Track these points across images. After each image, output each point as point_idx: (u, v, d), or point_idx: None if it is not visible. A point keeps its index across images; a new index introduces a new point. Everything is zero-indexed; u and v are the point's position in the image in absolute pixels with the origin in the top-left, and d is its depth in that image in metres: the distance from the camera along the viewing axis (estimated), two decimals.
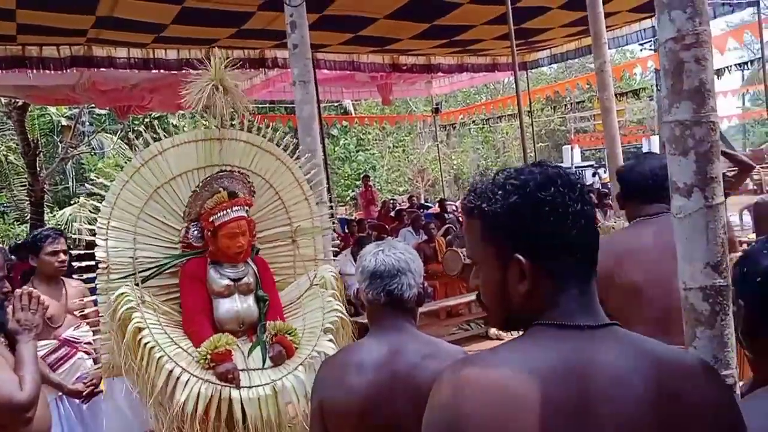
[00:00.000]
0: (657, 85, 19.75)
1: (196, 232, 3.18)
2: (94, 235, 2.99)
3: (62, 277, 3.48)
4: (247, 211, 3.15)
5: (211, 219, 3.05)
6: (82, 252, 2.99)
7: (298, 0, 3.96)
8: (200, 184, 3.18)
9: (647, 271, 2.04)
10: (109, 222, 3.01)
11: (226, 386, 2.70)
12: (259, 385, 2.78)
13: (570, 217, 1.00)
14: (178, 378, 2.66)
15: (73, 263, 3.25)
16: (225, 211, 3.05)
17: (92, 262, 2.97)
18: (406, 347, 1.66)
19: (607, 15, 7.27)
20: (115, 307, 2.82)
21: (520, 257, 1.01)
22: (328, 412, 1.70)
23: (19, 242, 11.17)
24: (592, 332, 0.98)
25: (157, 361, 2.67)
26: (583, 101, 20.29)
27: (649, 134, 23.51)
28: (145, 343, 2.71)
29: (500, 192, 1.04)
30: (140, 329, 2.75)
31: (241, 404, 2.70)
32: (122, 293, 2.86)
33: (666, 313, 1.94)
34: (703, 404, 0.95)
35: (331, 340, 3.03)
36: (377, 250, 1.75)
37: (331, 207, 4.18)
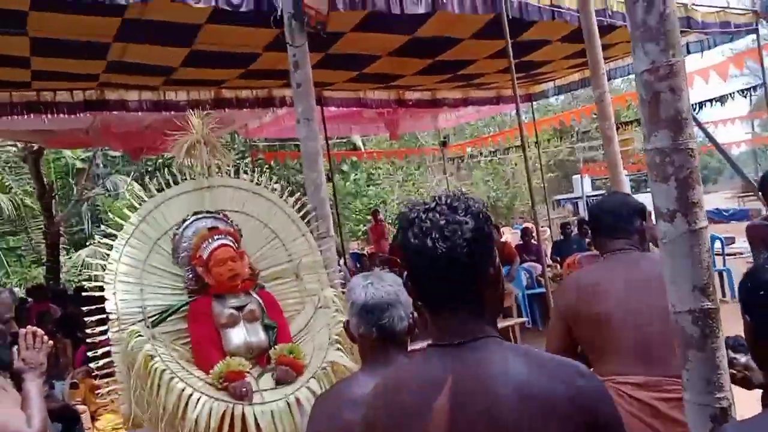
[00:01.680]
0: None
1: (190, 275, 3.28)
2: (102, 289, 3.08)
3: None
4: (232, 241, 3.25)
5: (198, 254, 3.18)
6: (92, 307, 3.07)
7: (301, 41, 4.08)
8: (178, 229, 3.31)
9: (616, 304, 2.05)
10: (116, 277, 3.13)
11: (238, 404, 2.72)
12: (272, 401, 2.80)
13: (420, 258, 1.13)
14: (189, 397, 2.68)
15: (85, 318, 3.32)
16: (208, 242, 3.19)
17: (103, 316, 3.05)
18: None
19: (610, 46, 7.38)
20: (127, 344, 2.87)
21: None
22: None
23: (36, 284, 11.28)
24: (464, 347, 1.13)
25: (168, 384, 2.70)
26: (590, 131, 20.34)
27: None
28: (156, 368, 2.75)
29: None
30: (151, 357, 2.80)
31: (255, 420, 2.70)
32: (133, 330, 2.92)
33: (641, 344, 1.96)
34: (571, 403, 1.05)
35: (339, 350, 3.07)
36: (366, 283, 1.75)
37: (339, 240, 4.24)
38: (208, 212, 3.39)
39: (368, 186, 22.98)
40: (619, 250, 2.19)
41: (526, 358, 1.11)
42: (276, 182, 3.72)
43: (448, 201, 1.15)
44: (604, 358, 2.03)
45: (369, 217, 18.89)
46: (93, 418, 4.88)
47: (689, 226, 1.36)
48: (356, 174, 22.56)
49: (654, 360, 1.90)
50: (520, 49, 6.78)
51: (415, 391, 1.13)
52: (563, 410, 1.04)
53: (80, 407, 4.81)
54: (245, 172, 3.64)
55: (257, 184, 3.58)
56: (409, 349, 1.79)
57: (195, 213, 3.37)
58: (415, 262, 1.15)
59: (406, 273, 1.20)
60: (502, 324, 6.16)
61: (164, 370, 2.76)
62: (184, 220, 3.33)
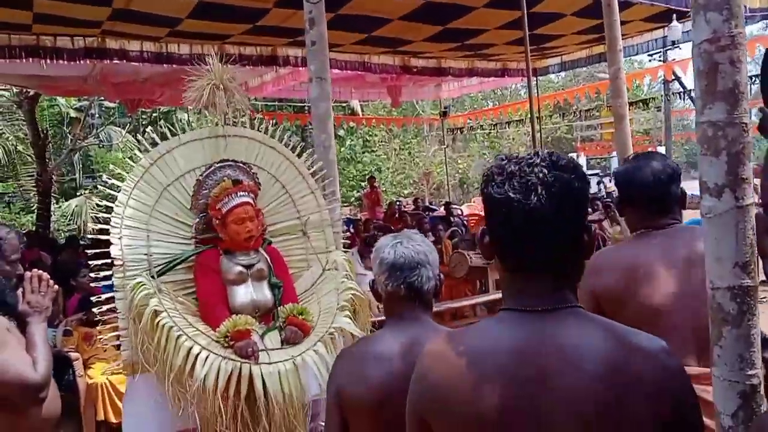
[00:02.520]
0: (666, 96, 19.76)
1: (202, 224, 3.22)
2: (104, 232, 3.02)
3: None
4: (253, 198, 3.19)
5: (218, 207, 3.09)
6: (97, 251, 3.01)
7: None
8: (203, 174, 3.23)
9: (665, 289, 1.90)
10: (122, 221, 3.05)
11: (246, 362, 2.71)
12: (279, 361, 2.79)
13: (517, 213, 1.05)
14: (197, 356, 2.67)
15: (84, 257, 3.25)
16: (231, 197, 3.09)
17: (108, 260, 2.99)
18: (425, 338, 1.66)
19: (623, 24, 7.30)
20: (132, 297, 2.84)
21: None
22: (345, 401, 1.71)
23: (27, 231, 11.16)
24: (548, 314, 1.07)
25: (176, 341, 2.68)
26: (591, 109, 20.28)
27: (655, 145, 23.52)
28: (163, 325, 2.72)
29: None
30: (157, 312, 2.77)
31: (263, 380, 2.70)
32: (139, 282, 2.88)
33: (694, 333, 1.82)
34: (655, 381, 1.02)
35: (347, 317, 3.04)
36: (395, 242, 1.75)
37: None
38: (233, 161, 3.29)
39: (363, 152, 22.87)
40: (661, 226, 2.00)
41: (612, 331, 1.06)
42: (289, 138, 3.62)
43: (552, 157, 1.08)
44: None
45: (363, 184, 18.85)
46: (86, 366, 4.88)
47: (736, 201, 1.34)
48: (352, 140, 22.43)
49: (707, 350, 1.80)
50: (532, 21, 6.69)
51: (493, 357, 1.06)
52: (649, 389, 1.01)
53: (73, 354, 4.80)
54: (255, 126, 3.54)
55: (271, 137, 3.50)
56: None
57: (222, 161, 3.26)
58: (506, 217, 1.05)
59: (482, 228, 1.13)
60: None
61: (172, 327, 2.73)
62: (211, 166, 3.24)
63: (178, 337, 2.71)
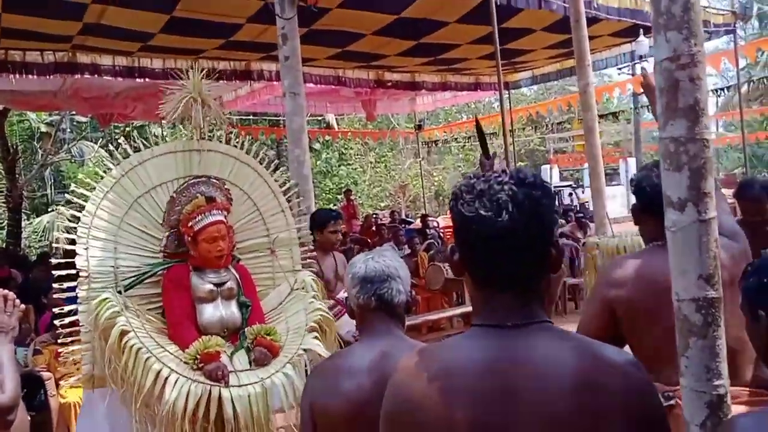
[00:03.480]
0: (635, 109, 20.14)
1: (174, 240, 3.19)
2: (73, 243, 2.97)
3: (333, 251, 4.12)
4: (225, 216, 3.17)
5: (190, 224, 3.07)
6: (62, 261, 2.96)
7: (291, 13, 4.00)
8: (177, 189, 3.21)
9: None
10: (89, 231, 3.01)
11: (216, 385, 2.69)
12: (248, 384, 2.77)
13: (488, 231, 1.06)
14: (166, 378, 2.63)
15: (53, 272, 3.20)
16: (204, 215, 3.07)
17: (72, 271, 2.94)
18: (396, 351, 1.66)
19: (591, 38, 7.45)
20: (97, 313, 2.79)
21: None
22: (319, 415, 1.72)
23: None
24: (517, 330, 1.08)
25: (144, 363, 2.64)
26: (563, 122, 20.59)
27: (626, 156, 23.94)
28: (131, 346, 2.68)
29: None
30: (125, 332, 2.72)
31: (232, 403, 2.68)
32: (105, 299, 2.84)
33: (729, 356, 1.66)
34: (625, 396, 1.02)
35: (316, 338, 3.04)
36: (367, 258, 1.79)
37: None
38: (207, 177, 3.28)
39: (339, 166, 22.87)
40: None
41: (580, 346, 1.07)
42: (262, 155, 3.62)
43: (518, 174, 1.09)
44: (660, 365, 1.79)
45: (339, 197, 18.84)
46: (57, 385, 4.78)
47: (699, 215, 1.37)
48: (328, 153, 22.42)
49: (736, 368, 1.70)
50: (503, 36, 6.79)
51: (464, 373, 1.06)
52: (618, 402, 1.01)
53: (45, 374, 4.70)
54: (231, 141, 3.52)
55: (247, 153, 3.49)
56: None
57: (196, 177, 3.24)
58: (477, 234, 1.06)
59: (451, 246, 1.14)
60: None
61: (140, 348, 2.69)
62: (184, 181, 3.21)
63: (147, 359, 2.67)
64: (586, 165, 18.61)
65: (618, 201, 20.47)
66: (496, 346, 1.07)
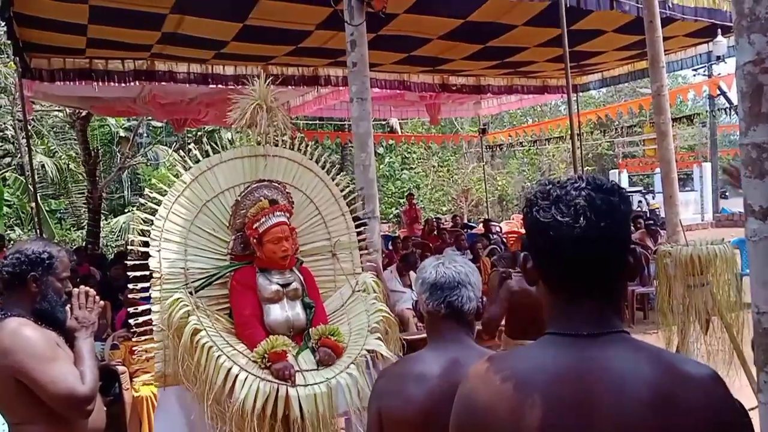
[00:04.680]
0: (711, 111, 19.33)
1: (240, 243, 3.29)
2: (147, 245, 3.10)
3: None
4: (288, 218, 3.25)
5: (255, 226, 3.15)
6: (136, 262, 3.09)
7: (359, 19, 4.06)
8: (241, 193, 3.30)
9: None
10: (162, 234, 3.13)
11: (283, 384, 2.76)
12: (314, 383, 2.82)
13: (565, 237, 1.04)
14: (236, 376, 2.72)
15: (128, 273, 3.35)
16: (267, 217, 3.15)
17: (146, 272, 3.06)
18: (466, 358, 1.66)
19: (665, 39, 7.20)
20: (170, 313, 2.90)
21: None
22: (386, 421, 1.73)
23: (77, 248, 11.51)
24: (594, 339, 1.06)
25: (215, 361, 2.73)
26: (633, 126, 19.94)
27: (701, 161, 22.94)
28: (203, 344, 2.78)
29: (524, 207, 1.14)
30: (198, 331, 2.82)
31: (299, 402, 2.74)
32: (177, 299, 2.94)
33: None
34: (704, 410, 0.99)
35: (378, 338, 3.06)
36: (438, 263, 1.78)
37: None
38: (269, 181, 3.38)
39: (402, 170, 22.96)
40: None
41: (658, 358, 1.03)
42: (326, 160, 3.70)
43: (596, 180, 1.07)
44: None
45: (401, 201, 18.90)
46: (131, 379, 5.01)
47: None
48: (391, 157, 22.55)
49: None
50: (573, 38, 6.66)
51: (537, 381, 1.04)
52: (694, 417, 0.98)
53: (120, 368, 4.93)
54: (295, 146, 3.61)
55: (310, 158, 3.58)
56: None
57: (259, 181, 3.35)
58: (553, 241, 1.04)
59: (524, 254, 1.13)
60: None
61: (211, 346, 2.79)
62: (248, 186, 3.32)
63: (218, 357, 2.76)
64: (657, 170, 17.98)
65: (691, 208, 19.68)
66: (572, 355, 1.05)
